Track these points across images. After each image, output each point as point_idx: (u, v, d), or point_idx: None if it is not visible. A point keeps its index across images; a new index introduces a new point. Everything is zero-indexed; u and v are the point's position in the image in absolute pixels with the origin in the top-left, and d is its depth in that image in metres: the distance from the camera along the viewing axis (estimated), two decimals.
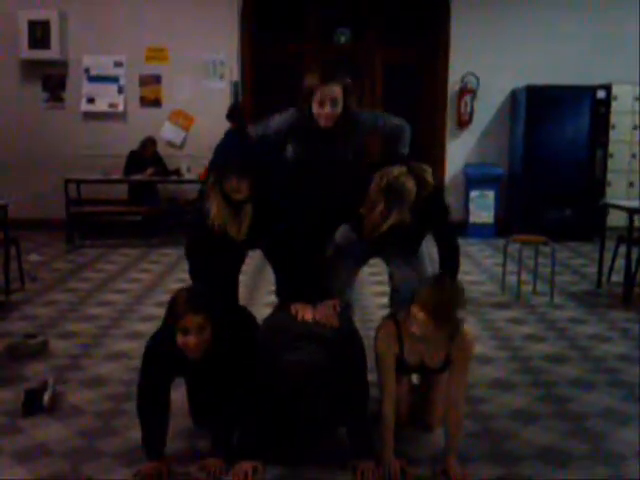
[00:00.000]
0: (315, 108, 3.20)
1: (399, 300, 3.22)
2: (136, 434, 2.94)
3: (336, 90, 3.20)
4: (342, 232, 3.28)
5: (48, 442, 3.04)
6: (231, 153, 3.10)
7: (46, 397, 3.37)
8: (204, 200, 3.09)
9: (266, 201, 3.09)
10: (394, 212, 2.81)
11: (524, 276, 5.88)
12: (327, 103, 3.18)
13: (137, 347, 4.19)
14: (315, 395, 2.74)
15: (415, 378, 3.40)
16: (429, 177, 2.91)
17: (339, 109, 3.21)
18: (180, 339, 2.72)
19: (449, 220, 3.16)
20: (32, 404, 3.33)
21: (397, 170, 2.85)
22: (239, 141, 3.73)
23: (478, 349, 4.25)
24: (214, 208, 3.01)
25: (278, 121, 3.36)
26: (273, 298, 3.64)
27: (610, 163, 8.55)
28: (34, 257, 6.95)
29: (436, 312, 2.61)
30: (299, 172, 3.37)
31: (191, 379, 3.13)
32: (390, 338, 2.88)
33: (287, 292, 3.14)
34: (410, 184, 2.83)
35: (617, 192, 8.46)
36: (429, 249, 3.35)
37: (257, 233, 3.11)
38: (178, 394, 3.20)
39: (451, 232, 3.17)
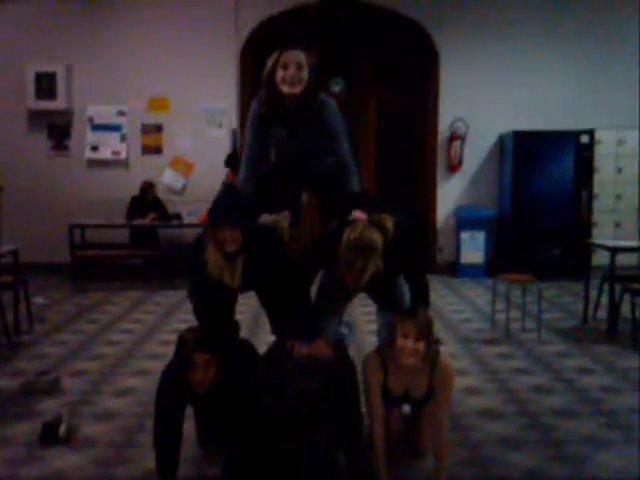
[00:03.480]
0: (279, 74, 3.19)
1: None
2: (148, 463, 3.17)
3: (300, 55, 3.20)
4: (323, 275, 3.53)
5: (65, 470, 3.26)
6: (221, 208, 3.22)
7: (62, 429, 3.59)
8: (201, 250, 3.27)
9: (256, 250, 3.25)
10: (370, 264, 2.98)
11: (513, 314, 6.14)
12: (291, 65, 3.17)
13: (144, 383, 4.43)
14: (313, 421, 2.98)
15: (406, 408, 3.63)
16: (389, 224, 3.07)
17: (304, 74, 3.20)
18: (189, 374, 2.96)
19: (418, 260, 3.40)
20: (49, 436, 3.55)
21: (360, 226, 3.01)
22: (230, 195, 3.88)
23: (468, 382, 4.51)
24: (210, 260, 3.19)
25: (248, 135, 3.47)
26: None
27: (596, 204, 8.88)
28: (39, 300, 7.17)
29: (420, 333, 2.90)
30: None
31: (199, 408, 3.35)
32: (376, 368, 3.12)
33: (281, 330, 3.36)
34: (376, 235, 2.99)
35: (604, 232, 8.79)
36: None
37: (251, 281, 3.30)
38: (187, 424, 3.43)
39: (420, 270, 3.39)
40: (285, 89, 3.23)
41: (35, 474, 3.21)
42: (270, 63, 3.27)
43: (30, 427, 3.73)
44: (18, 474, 3.21)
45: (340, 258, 2.99)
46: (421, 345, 2.94)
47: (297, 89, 3.23)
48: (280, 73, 3.21)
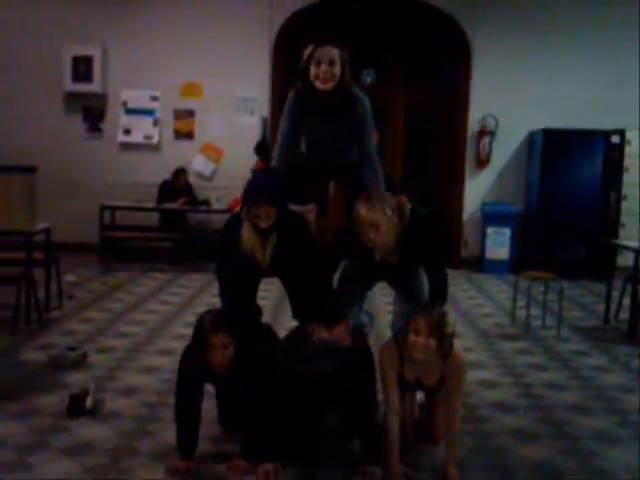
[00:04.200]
0: (312, 71, 3.31)
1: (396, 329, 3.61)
2: (169, 436, 3.30)
3: (333, 51, 3.32)
4: (346, 263, 3.63)
5: (91, 440, 3.40)
6: (257, 185, 3.36)
7: (88, 402, 3.73)
8: (235, 227, 3.42)
9: (288, 230, 3.37)
10: (377, 238, 3.20)
11: (534, 311, 6.18)
12: (324, 62, 3.29)
13: (168, 362, 4.57)
14: (329, 403, 3.08)
15: (420, 397, 3.71)
16: (406, 207, 3.29)
17: (337, 70, 3.31)
18: (207, 355, 3.08)
19: (437, 253, 3.49)
20: (76, 407, 3.70)
21: (367, 204, 3.22)
22: (266, 174, 4.01)
23: (485, 375, 4.59)
24: (245, 234, 3.33)
25: (283, 123, 3.59)
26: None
27: (624, 205, 8.84)
28: (70, 278, 7.35)
29: (432, 332, 2.98)
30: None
31: (219, 388, 3.47)
32: (393, 358, 3.21)
33: (302, 314, 3.46)
34: (379, 215, 3.19)
35: (631, 234, 8.72)
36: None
37: (280, 261, 3.41)
38: (209, 404, 3.56)
39: (439, 263, 3.46)
40: (318, 85, 3.36)
41: (62, 443, 3.35)
42: (304, 58, 3.38)
43: (58, 399, 3.88)
44: (46, 443, 3.35)
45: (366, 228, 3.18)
46: (432, 341, 3.01)
47: (329, 85, 3.35)
48: (313, 69, 3.33)
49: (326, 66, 3.32)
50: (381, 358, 3.24)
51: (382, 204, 3.18)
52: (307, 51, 3.39)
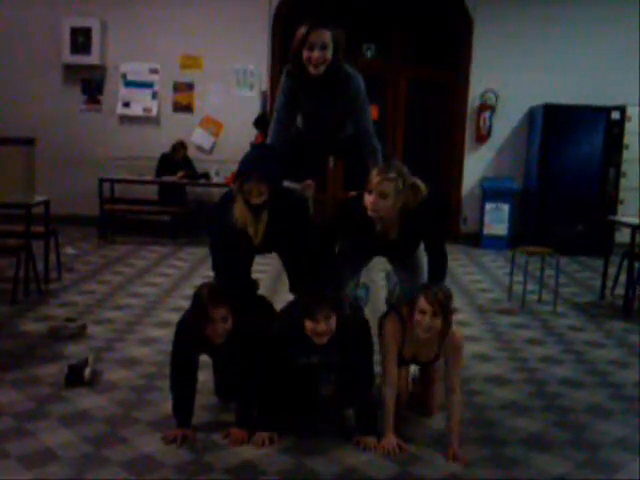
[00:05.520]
0: (305, 54, 3.33)
1: (394, 299, 3.62)
2: (167, 406, 3.34)
3: (325, 35, 3.34)
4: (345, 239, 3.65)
5: (89, 409, 3.44)
6: (250, 160, 3.31)
7: (87, 372, 3.78)
8: (229, 202, 3.42)
9: (282, 207, 3.34)
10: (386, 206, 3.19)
11: (532, 286, 6.21)
12: (316, 47, 3.31)
13: (166, 334, 4.58)
14: (325, 374, 3.12)
15: (414, 369, 3.75)
16: (421, 185, 3.27)
17: (329, 54, 3.34)
18: (206, 328, 3.10)
19: (439, 232, 3.50)
20: (74, 378, 3.74)
21: (380, 177, 3.20)
22: (259, 149, 3.98)
23: (480, 349, 4.64)
24: (237, 210, 3.31)
25: (279, 100, 3.61)
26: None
27: (623, 182, 8.83)
28: (70, 250, 7.38)
29: (437, 311, 3.02)
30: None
31: (215, 359, 3.51)
32: (396, 332, 3.25)
33: (299, 289, 3.47)
34: (389, 188, 3.17)
35: (630, 210, 8.72)
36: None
37: (273, 237, 3.38)
38: (205, 375, 3.60)
39: (440, 243, 3.45)
40: (310, 69, 3.39)
41: (60, 412, 3.40)
42: (297, 40, 3.38)
43: (57, 369, 3.93)
44: (45, 411, 3.40)
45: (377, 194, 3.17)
46: (438, 321, 3.06)
47: (320, 69, 3.38)
48: (306, 53, 3.36)
49: (318, 52, 3.34)
50: (384, 331, 3.27)
51: (396, 177, 3.18)
52: (300, 32, 3.39)
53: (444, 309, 3.07)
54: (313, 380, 3.24)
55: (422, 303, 3.08)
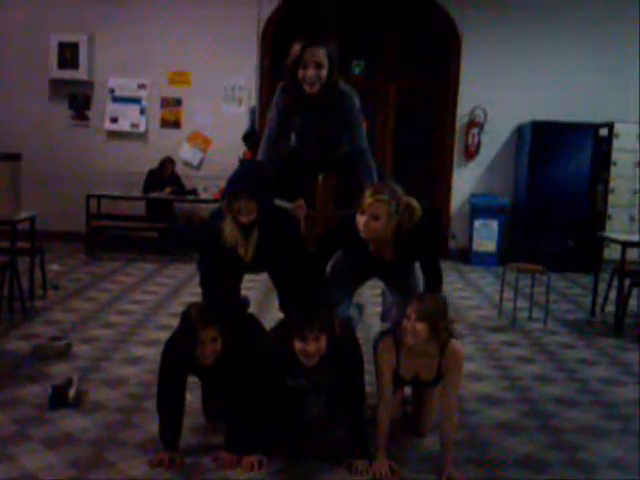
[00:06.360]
0: (300, 73, 3.30)
1: (388, 319, 3.56)
2: (154, 428, 3.25)
3: (320, 53, 3.30)
4: (338, 257, 3.59)
5: (73, 432, 3.35)
6: (239, 178, 3.25)
7: (71, 393, 3.69)
8: (218, 220, 3.34)
9: (272, 226, 3.29)
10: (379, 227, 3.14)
11: (522, 303, 6.18)
12: (310, 66, 3.28)
13: (154, 353, 4.51)
14: (315, 396, 3.06)
15: (407, 391, 3.69)
16: (416, 205, 3.22)
17: (323, 72, 3.30)
18: (195, 349, 3.04)
19: (434, 249, 3.46)
20: (58, 398, 3.64)
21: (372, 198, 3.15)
22: (248, 166, 3.92)
23: (472, 367, 4.57)
24: (227, 229, 3.26)
25: (271, 117, 3.56)
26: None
27: (611, 198, 8.84)
28: (55, 267, 7.28)
29: (423, 316, 2.97)
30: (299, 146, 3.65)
31: (204, 380, 3.44)
32: (390, 352, 3.19)
33: (289, 308, 3.40)
34: (383, 209, 3.12)
35: (618, 226, 8.75)
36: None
37: (262, 256, 3.33)
38: (193, 395, 3.53)
39: (435, 260, 3.41)
40: (305, 88, 3.35)
41: (44, 435, 3.31)
42: (291, 58, 3.34)
43: (41, 389, 3.83)
44: (27, 434, 3.31)
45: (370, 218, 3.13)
46: (422, 326, 2.99)
47: (315, 88, 3.35)
48: (300, 72, 3.32)
49: (313, 70, 3.31)
50: (378, 353, 3.22)
51: (389, 199, 3.12)
52: (295, 50, 3.35)
53: (430, 315, 3.01)
54: (302, 402, 3.17)
55: (408, 308, 3.04)
